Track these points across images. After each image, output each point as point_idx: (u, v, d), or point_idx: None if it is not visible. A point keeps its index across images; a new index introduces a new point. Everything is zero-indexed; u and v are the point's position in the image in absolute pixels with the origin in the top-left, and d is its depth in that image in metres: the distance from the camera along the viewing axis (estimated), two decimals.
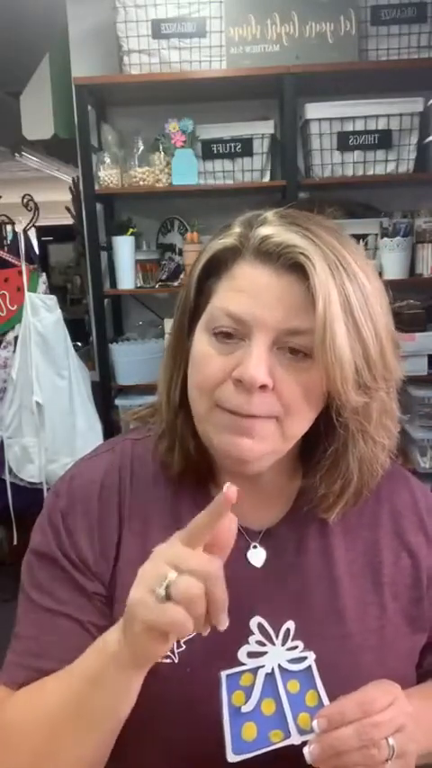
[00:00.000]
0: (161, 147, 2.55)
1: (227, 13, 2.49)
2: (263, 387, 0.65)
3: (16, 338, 2.63)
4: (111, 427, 2.70)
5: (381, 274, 2.61)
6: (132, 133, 2.63)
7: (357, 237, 2.64)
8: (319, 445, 0.73)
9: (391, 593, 0.75)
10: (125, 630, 0.60)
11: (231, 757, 0.68)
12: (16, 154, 5.44)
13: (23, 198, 2.78)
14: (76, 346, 2.87)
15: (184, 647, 0.70)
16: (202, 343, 0.70)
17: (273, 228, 0.68)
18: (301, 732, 0.69)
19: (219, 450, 0.70)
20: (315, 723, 0.62)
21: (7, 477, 2.68)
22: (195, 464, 0.76)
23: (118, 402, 2.70)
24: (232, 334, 0.68)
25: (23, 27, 3.17)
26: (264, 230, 0.68)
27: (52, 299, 2.68)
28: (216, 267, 0.71)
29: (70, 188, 3.27)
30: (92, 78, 2.59)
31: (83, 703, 0.64)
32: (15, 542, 2.65)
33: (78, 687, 0.64)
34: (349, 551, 0.76)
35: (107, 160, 2.59)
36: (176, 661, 0.70)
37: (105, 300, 2.76)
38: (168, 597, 0.55)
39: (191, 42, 2.51)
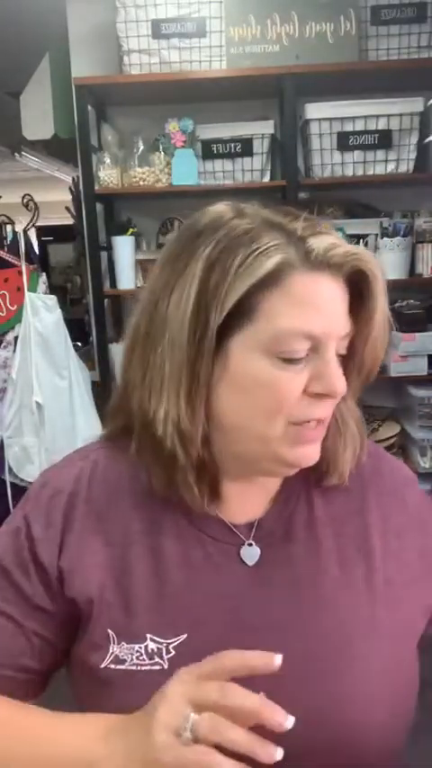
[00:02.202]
0: (161, 147, 2.55)
1: (227, 13, 2.49)
2: None
3: (16, 338, 2.63)
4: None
5: None
6: (132, 133, 2.64)
7: (357, 237, 2.64)
8: None
9: (384, 578, 0.74)
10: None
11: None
12: (16, 154, 5.44)
13: (23, 198, 2.78)
14: (76, 346, 2.87)
15: (174, 652, 0.69)
16: (264, 367, 0.66)
17: (331, 237, 0.67)
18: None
19: (289, 463, 0.70)
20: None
21: (7, 477, 2.68)
22: (198, 482, 0.71)
23: None
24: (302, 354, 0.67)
25: (23, 27, 3.17)
26: (324, 240, 0.66)
27: (52, 299, 2.68)
28: (263, 280, 0.65)
29: (70, 188, 3.26)
30: (92, 78, 2.59)
31: None
32: None
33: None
34: (338, 539, 0.75)
35: (107, 160, 2.59)
36: (166, 667, 0.68)
37: (105, 300, 2.76)
38: (196, 739, 0.54)
39: (191, 42, 2.51)
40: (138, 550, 0.73)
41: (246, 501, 0.75)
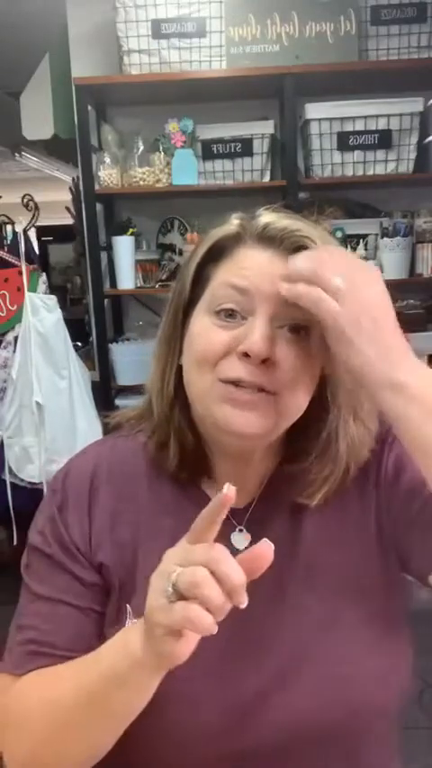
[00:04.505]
0: (161, 147, 2.56)
1: (227, 13, 2.49)
2: (266, 360, 0.67)
3: (16, 338, 2.63)
4: (111, 427, 2.69)
5: None
6: (132, 133, 2.64)
7: (357, 237, 2.65)
8: (309, 430, 0.74)
9: (380, 565, 0.76)
10: (148, 636, 0.59)
11: None
12: (16, 154, 5.45)
13: (23, 198, 2.78)
14: (76, 346, 2.87)
15: None
16: (202, 322, 0.71)
17: (273, 217, 0.72)
18: None
19: (220, 424, 0.70)
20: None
21: (7, 477, 2.68)
22: (190, 457, 0.76)
23: (118, 402, 2.70)
24: (235, 312, 0.70)
25: (23, 27, 3.17)
26: (265, 218, 0.72)
27: (52, 299, 2.68)
28: (216, 255, 0.73)
29: (70, 188, 3.26)
30: (92, 78, 2.59)
31: (100, 697, 0.64)
32: (15, 543, 2.65)
33: (98, 682, 0.64)
34: (322, 530, 0.76)
35: (107, 160, 2.59)
36: None
37: (105, 300, 2.76)
38: (178, 594, 0.54)
39: (191, 42, 2.51)
40: (151, 532, 0.75)
41: (243, 488, 0.75)
